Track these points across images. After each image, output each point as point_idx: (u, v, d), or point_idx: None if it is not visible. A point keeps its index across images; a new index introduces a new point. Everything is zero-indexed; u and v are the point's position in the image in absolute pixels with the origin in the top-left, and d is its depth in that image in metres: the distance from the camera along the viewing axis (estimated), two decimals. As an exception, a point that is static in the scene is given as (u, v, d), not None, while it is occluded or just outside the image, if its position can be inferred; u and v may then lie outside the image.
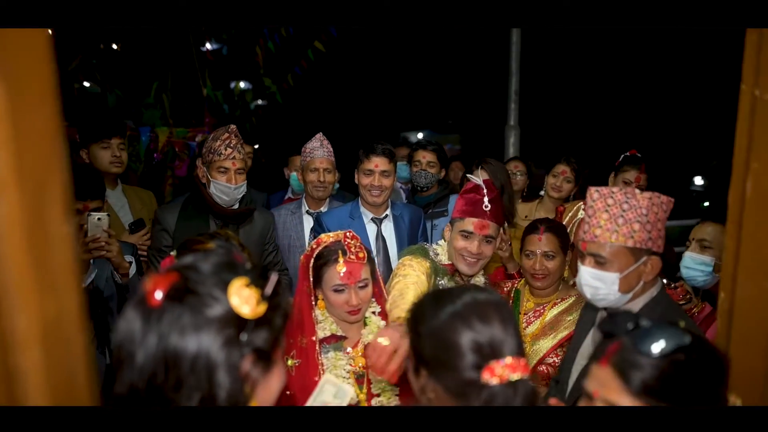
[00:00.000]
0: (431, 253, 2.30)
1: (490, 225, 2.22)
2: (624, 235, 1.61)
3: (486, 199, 2.21)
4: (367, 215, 3.01)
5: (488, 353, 1.05)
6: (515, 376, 1.04)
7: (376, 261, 2.34)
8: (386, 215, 3.06)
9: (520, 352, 1.08)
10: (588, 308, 1.96)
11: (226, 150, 2.69)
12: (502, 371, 1.03)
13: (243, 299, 0.90)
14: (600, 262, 1.65)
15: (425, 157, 3.56)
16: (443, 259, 2.30)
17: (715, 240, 2.25)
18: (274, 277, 0.96)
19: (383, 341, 1.54)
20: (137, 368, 0.87)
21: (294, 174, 3.85)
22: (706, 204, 8.34)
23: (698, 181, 9.72)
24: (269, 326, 0.95)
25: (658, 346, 0.99)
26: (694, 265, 2.29)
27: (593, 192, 1.69)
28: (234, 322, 0.90)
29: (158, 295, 0.88)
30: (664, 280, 2.37)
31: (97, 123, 3.17)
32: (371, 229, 3.01)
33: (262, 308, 0.92)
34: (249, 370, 0.93)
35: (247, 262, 1.57)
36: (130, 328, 0.89)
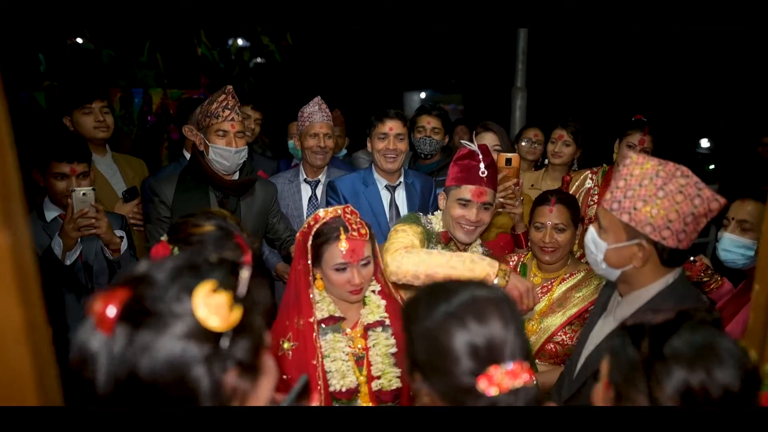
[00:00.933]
0: (423, 221, 2.24)
1: (487, 192, 2.15)
2: (624, 208, 1.48)
3: (482, 165, 2.13)
4: (381, 182, 2.93)
5: (486, 357, 0.94)
6: (517, 384, 0.93)
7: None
8: (400, 182, 2.97)
9: (524, 354, 0.97)
10: (603, 291, 1.87)
11: (223, 112, 2.52)
12: (502, 379, 0.92)
13: (212, 308, 0.77)
14: (599, 226, 1.58)
15: (430, 122, 3.41)
16: (437, 227, 2.24)
17: (756, 220, 2.08)
18: (245, 273, 0.84)
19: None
20: (108, 389, 0.77)
21: (291, 142, 3.69)
22: (712, 167, 8.18)
23: (705, 143, 9.51)
24: (249, 331, 0.83)
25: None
26: (734, 248, 2.14)
27: (629, 157, 1.54)
28: (207, 335, 0.78)
29: (110, 313, 0.75)
30: None
31: (76, 87, 3.00)
32: (385, 196, 2.92)
33: (237, 315, 0.79)
34: (235, 386, 0.82)
35: (238, 249, 1.46)
36: (86, 355, 0.77)
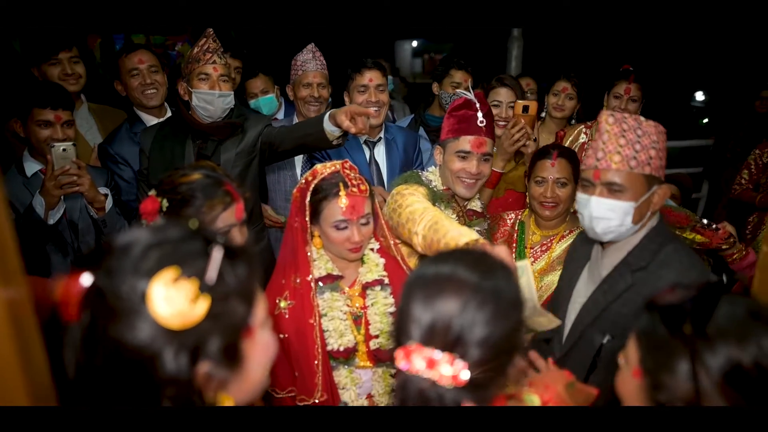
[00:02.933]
0: (424, 179, 2.15)
1: (487, 141, 2.08)
2: (642, 162, 1.52)
3: (480, 114, 2.05)
4: (360, 137, 2.76)
5: (421, 334, 0.86)
6: (430, 375, 0.83)
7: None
8: (380, 138, 2.86)
9: (471, 356, 0.84)
10: (581, 241, 1.85)
11: (204, 55, 2.39)
12: (416, 360, 0.84)
13: (171, 303, 0.67)
14: (614, 191, 1.54)
15: (467, 80, 3.22)
16: (438, 185, 2.16)
17: None
18: (217, 253, 0.73)
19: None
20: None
21: (271, 96, 3.44)
22: (705, 121, 8.10)
23: (699, 96, 9.37)
24: (226, 318, 0.74)
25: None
26: None
27: (608, 116, 1.56)
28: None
29: (72, 310, 0.68)
30: (705, 221, 2.22)
31: (39, 37, 2.79)
32: (365, 152, 2.81)
33: (202, 308, 0.69)
34: (209, 376, 0.75)
35: (229, 196, 1.37)
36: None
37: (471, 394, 0.85)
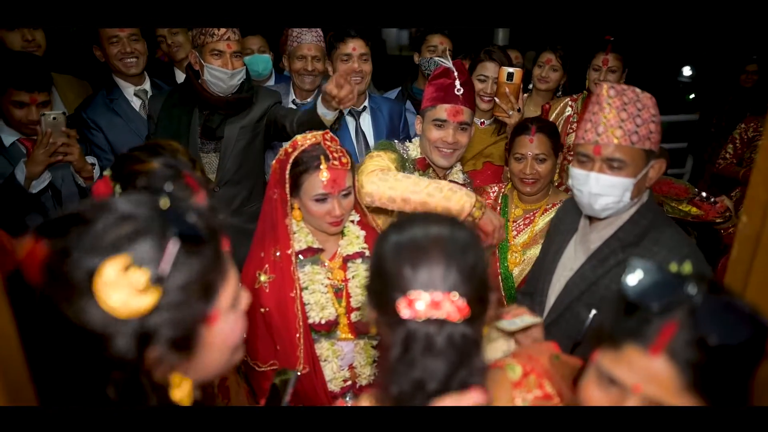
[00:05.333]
0: (399, 147, 2.16)
1: (464, 110, 2.05)
2: (642, 136, 1.49)
3: (458, 82, 2.03)
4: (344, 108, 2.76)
5: (418, 284, 0.91)
6: (438, 314, 0.89)
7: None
8: (365, 107, 2.83)
9: (465, 292, 0.91)
10: (567, 211, 1.84)
11: (219, 30, 2.34)
12: (422, 307, 0.89)
13: (116, 293, 0.65)
14: (615, 167, 1.51)
15: (443, 42, 3.20)
16: (413, 154, 2.17)
17: None
18: (172, 247, 0.69)
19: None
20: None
21: (267, 56, 3.34)
22: (692, 96, 8.09)
23: (687, 71, 9.34)
24: (178, 311, 0.72)
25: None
26: None
27: (609, 88, 1.51)
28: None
29: (34, 274, 0.67)
30: (704, 194, 2.22)
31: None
32: (350, 122, 2.79)
33: (149, 300, 0.67)
34: (160, 359, 0.73)
35: (188, 189, 1.33)
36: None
37: (471, 328, 0.91)
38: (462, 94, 2.04)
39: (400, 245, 0.95)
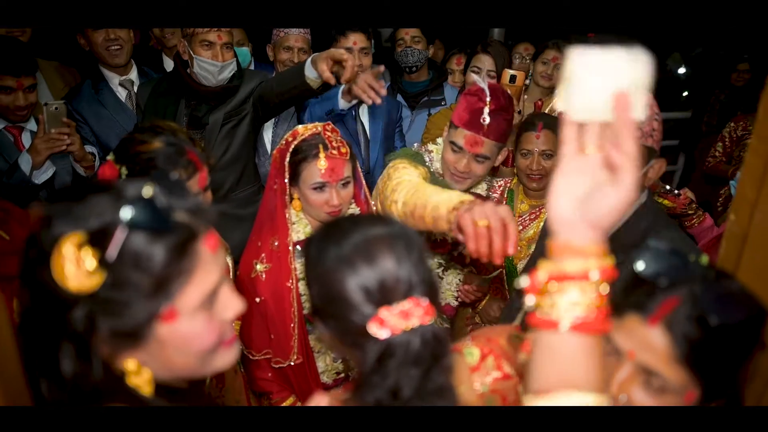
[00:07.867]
0: (426, 158, 1.99)
1: (485, 142, 1.81)
2: (645, 133, 1.47)
3: (486, 110, 1.78)
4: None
5: (379, 299, 0.86)
6: (411, 323, 0.86)
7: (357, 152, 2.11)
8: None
9: (423, 290, 0.88)
10: None
11: None
12: (393, 320, 0.85)
13: (66, 267, 0.67)
14: None
15: (408, 32, 3.15)
16: (438, 166, 1.98)
17: None
18: (120, 234, 0.69)
19: (482, 223, 1.23)
20: None
21: (245, 50, 3.23)
22: (685, 94, 8.14)
23: (680, 70, 9.41)
24: (121, 301, 0.71)
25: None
26: None
27: None
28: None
29: None
30: (667, 186, 2.25)
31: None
32: (348, 114, 2.73)
33: (94, 280, 0.68)
34: (105, 341, 0.73)
35: (191, 165, 1.32)
36: None
37: (436, 324, 0.89)
38: (488, 124, 1.79)
39: (342, 258, 0.89)
